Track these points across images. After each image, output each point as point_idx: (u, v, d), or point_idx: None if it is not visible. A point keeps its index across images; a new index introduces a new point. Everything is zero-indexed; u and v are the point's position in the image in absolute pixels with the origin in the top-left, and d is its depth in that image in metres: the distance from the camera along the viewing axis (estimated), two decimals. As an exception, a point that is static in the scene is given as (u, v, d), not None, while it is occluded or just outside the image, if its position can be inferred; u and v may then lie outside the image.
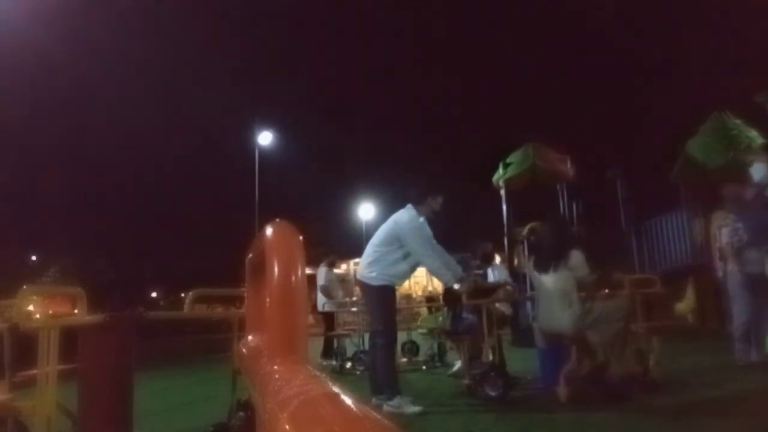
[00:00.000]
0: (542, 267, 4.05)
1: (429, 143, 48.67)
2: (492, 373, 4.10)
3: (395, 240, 4.07)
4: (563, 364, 3.99)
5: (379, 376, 3.95)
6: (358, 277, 4.26)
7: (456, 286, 4.15)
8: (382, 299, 4.04)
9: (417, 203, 4.18)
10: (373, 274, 4.04)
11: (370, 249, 4.20)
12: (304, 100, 52.86)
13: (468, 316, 4.94)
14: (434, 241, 4.13)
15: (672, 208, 10.25)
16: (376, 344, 4.00)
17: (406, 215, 4.13)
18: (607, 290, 4.51)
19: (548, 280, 3.98)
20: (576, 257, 3.92)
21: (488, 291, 4.69)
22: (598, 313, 3.76)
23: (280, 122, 36.02)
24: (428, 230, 4.17)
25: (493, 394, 4.01)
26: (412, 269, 4.22)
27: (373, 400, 3.88)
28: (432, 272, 4.33)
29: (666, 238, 10.34)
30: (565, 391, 3.74)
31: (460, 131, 47.98)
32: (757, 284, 4.87)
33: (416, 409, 3.78)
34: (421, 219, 4.13)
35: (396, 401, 3.81)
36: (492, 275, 5.94)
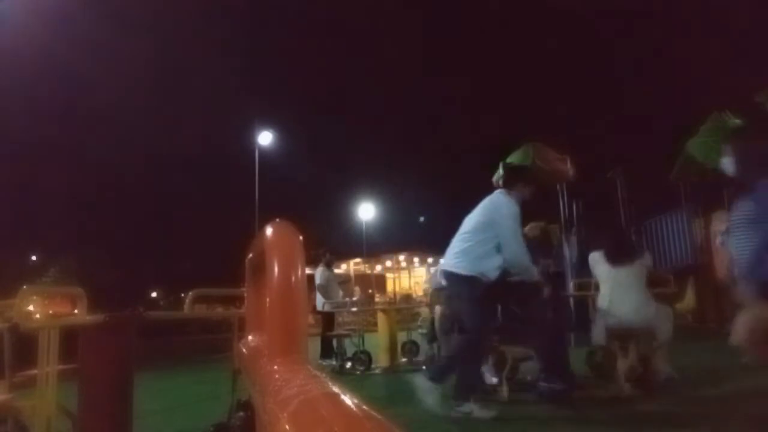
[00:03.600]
0: (617, 260, 4.01)
1: (429, 143, 48.68)
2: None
3: (488, 227, 3.69)
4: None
5: (457, 377, 3.66)
6: (444, 267, 3.89)
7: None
8: (472, 291, 3.65)
9: (510, 188, 3.85)
10: (463, 264, 3.68)
11: (458, 240, 3.82)
12: (304, 100, 52.85)
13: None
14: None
15: (672, 208, 10.25)
16: (460, 342, 3.74)
17: (503, 199, 3.77)
18: None
19: (623, 272, 3.95)
20: (648, 255, 3.99)
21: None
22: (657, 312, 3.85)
23: (280, 122, 36.00)
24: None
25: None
26: (499, 267, 3.72)
27: (457, 408, 3.52)
28: (519, 266, 3.79)
29: (666, 238, 10.34)
30: (628, 387, 3.77)
31: (461, 131, 47.96)
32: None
33: (490, 413, 3.47)
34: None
35: (468, 406, 3.51)
36: None
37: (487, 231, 3.67)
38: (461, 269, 3.68)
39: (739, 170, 2.76)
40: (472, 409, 3.49)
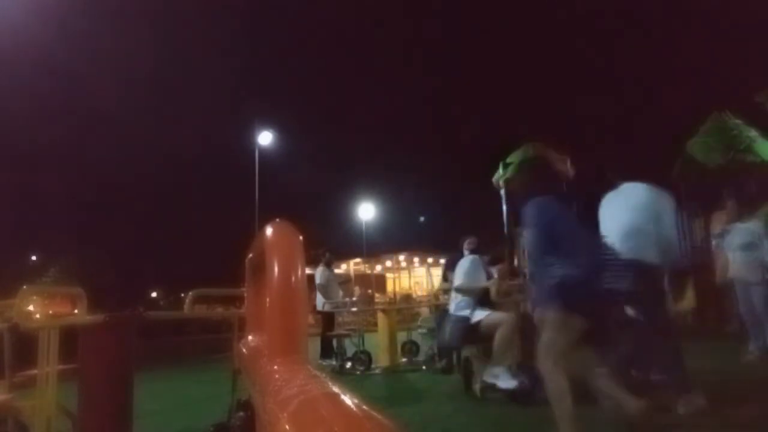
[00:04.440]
0: None
1: (429, 143, 48.72)
2: None
3: (659, 219, 3.55)
4: None
5: (673, 373, 3.40)
6: (637, 256, 3.50)
7: None
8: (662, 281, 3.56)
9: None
10: (655, 254, 3.43)
11: (640, 228, 3.52)
12: (304, 100, 52.88)
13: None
14: None
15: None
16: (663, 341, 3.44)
17: (664, 193, 3.71)
18: None
19: None
20: None
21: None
22: None
23: (280, 122, 36.01)
24: None
25: None
26: None
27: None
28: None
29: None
30: None
31: (460, 131, 47.98)
32: (737, 286, 4.95)
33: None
34: None
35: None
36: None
37: (651, 221, 3.54)
38: (654, 259, 3.46)
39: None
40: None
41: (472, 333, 4.48)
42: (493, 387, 4.12)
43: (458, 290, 4.69)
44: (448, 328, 4.68)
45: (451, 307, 4.72)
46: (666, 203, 3.67)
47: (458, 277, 4.78)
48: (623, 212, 3.63)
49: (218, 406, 2.97)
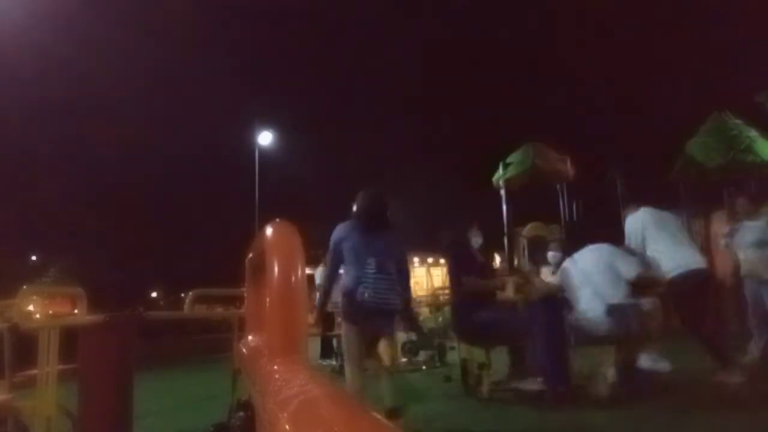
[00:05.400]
0: None
1: (429, 143, 48.71)
2: None
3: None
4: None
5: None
6: (704, 265, 4.35)
7: None
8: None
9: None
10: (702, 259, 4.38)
11: (687, 238, 4.53)
12: (304, 100, 52.88)
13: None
14: None
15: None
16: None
17: None
18: None
19: None
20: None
21: None
22: None
23: (280, 122, 35.98)
24: None
25: None
26: None
27: None
28: None
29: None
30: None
31: (460, 131, 48.00)
32: (748, 285, 4.97)
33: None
34: None
35: None
36: None
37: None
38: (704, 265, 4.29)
39: None
40: None
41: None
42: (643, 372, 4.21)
43: (640, 278, 4.32)
44: (616, 318, 4.19)
45: (609, 297, 4.24)
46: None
47: (633, 266, 4.32)
48: (676, 231, 4.45)
49: (218, 406, 2.98)
